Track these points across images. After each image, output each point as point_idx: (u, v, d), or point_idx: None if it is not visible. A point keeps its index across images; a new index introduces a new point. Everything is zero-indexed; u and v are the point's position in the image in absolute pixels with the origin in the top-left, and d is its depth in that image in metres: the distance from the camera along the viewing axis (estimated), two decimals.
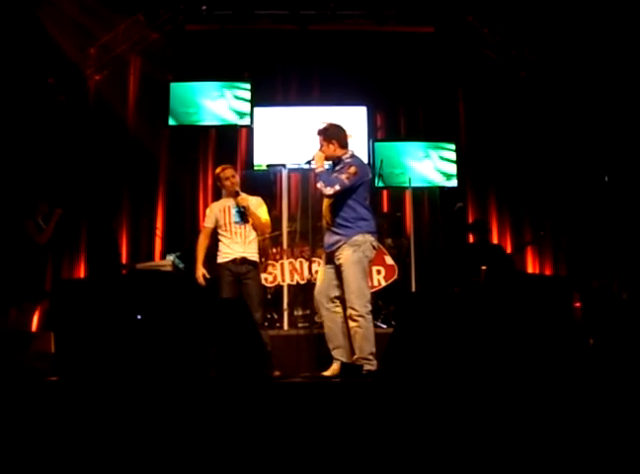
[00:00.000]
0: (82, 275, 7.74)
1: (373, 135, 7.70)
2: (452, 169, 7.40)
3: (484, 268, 6.32)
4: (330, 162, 4.89)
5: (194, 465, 2.84)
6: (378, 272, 6.53)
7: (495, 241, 7.89)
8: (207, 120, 7.41)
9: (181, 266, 6.56)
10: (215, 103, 7.41)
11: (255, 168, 7.34)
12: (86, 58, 7.95)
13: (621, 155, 7.28)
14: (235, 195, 5.38)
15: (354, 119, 7.42)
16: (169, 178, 8.28)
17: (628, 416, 3.00)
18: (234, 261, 5.29)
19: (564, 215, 7.89)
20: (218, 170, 5.56)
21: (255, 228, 5.40)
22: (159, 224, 8.15)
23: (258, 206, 5.48)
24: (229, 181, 5.43)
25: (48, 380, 3.78)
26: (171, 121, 7.41)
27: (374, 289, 6.48)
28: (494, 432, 2.95)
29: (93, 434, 2.92)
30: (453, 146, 7.53)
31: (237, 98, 7.41)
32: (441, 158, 7.44)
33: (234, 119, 7.35)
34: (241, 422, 2.99)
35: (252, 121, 7.32)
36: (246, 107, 7.35)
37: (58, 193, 7.14)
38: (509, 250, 7.90)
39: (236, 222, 5.37)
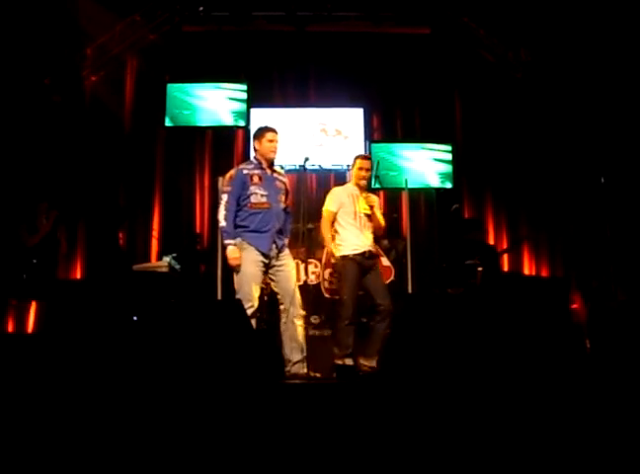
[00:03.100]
0: (78, 276, 7.73)
1: (370, 137, 7.71)
2: (449, 170, 7.42)
3: (480, 269, 6.32)
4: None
5: (192, 466, 2.83)
6: None
7: (491, 242, 7.91)
8: (204, 121, 7.42)
9: (177, 267, 6.54)
10: (212, 104, 7.42)
11: None
12: (83, 59, 7.94)
13: (618, 157, 7.29)
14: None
15: (350, 121, 7.45)
16: (165, 179, 8.26)
17: (626, 418, 3.01)
18: (363, 254, 5.26)
19: (560, 217, 7.90)
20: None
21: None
22: (155, 225, 8.13)
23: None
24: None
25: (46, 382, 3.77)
26: (167, 122, 7.42)
27: None
28: (491, 433, 2.95)
29: (90, 436, 2.91)
30: (450, 147, 7.55)
31: (234, 99, 7.42)
32: (438, 159, 7.45)
33: (231, 121, 7.36)
34: (237, 424, 2.99)
35: (248, 122, 7.33)
36: (242, 108, 7.36)
37: (54, 193, 7.12)
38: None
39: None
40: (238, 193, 4.86)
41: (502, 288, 4.80)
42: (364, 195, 5.37)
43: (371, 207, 5.33)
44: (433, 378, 3.42)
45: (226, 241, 4.80)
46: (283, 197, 4.98)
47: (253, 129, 7.25)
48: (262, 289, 4.91)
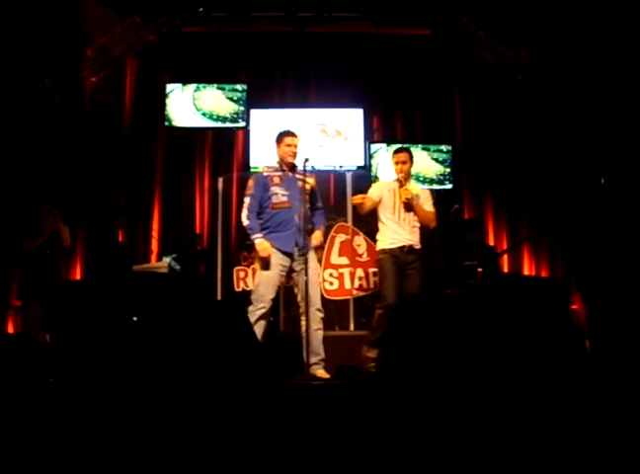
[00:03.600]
0: (78, 276, 7.73)
1: (370, 137, 7.70)
2: (449, 171, 7.43)
3: (480, 270, 6.32)
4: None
5: (191, 467, 2.83)
6: (375, 274, 6.51)
7: (491, 243, 7.91)
8: (204, 122, 7.42)
9: (177, 268, 6.55)
10: (212, 104, 7.42)
11: (251, 170, 7.34)
12: (83, 60, 7.95)
13: (618, 157, 7.29)
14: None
15: (350, 121, 7.43)
16: (165, 179, 8.27)
17: (626, 419, 3.01)
18: (402, 248, 5.22)
19: (561, 217, 7.91)
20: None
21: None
22: (155, 226, 8.13)
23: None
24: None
25: (46, 382, 3.77)
26: (167, 123, 7.42)
27: (370, 292, 6.48)
28: (491, 434, 2.95)
29: (90, 435, 2.91)
30: (450, 148, 7.56)
31: (233, 99, 7.42)
32: (438, 160, 7.45)
33: (231, 121, 7.36)
34: (238, 425, 2.99)
35: (248, 123, 7.33)
36: (242, 108, 7.36)
37: (55, 194, 7.11)
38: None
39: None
40: (259, 195, 4.94)
41: (502, 289, 4.80)
42: (403, 188, 5.32)
43: (408, 200, 5.28)
44: (432, 379, 3.42)
45: (253, 236, 4.88)
46: (308, 197, 4.95)
47: (252, 130, 7.33)
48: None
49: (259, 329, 4.68)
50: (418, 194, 5.43)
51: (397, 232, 5.27)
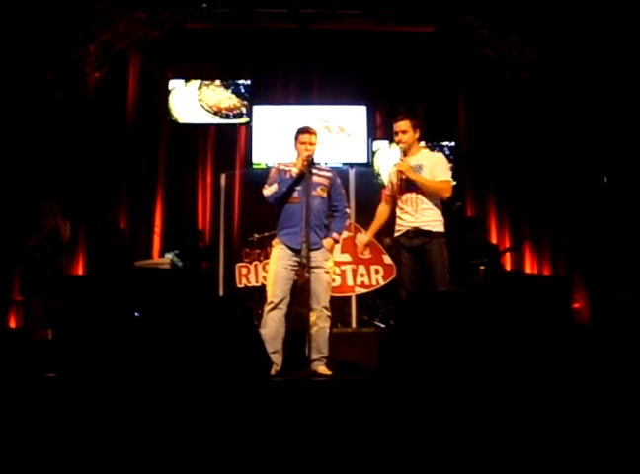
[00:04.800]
0: (80, 271, 7.74)
1: (373, 134, 7.70)
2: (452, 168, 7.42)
3: (482, 267, 6.32)
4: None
5: (192, 465, 2.84)
6: (377, 271, 6.52)
7: (493, 241, 7.91)
8: (207, 118, 7.43)
9: (179, 264, 6.56)
10: (215, 100, 7.43)
11: (254, 166, 7.35)
12: (86, 55, 7.95)
13: (621, 156, 7.28)
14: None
15: (353, 118, 7.44)
16: (168, 175, 8.28)
17: (628, 418, 3.01)
18: (407, 234, 4.76)
19: (563, 216, 7.90)
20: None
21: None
22: (158, 222, 8.14)
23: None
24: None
25: (47, 376, 3.78)
26: (170, 119, 7.43)
27: (373, 289, 6.48)
28: (491, 433, 2.95)
29: (91, 431, 2.91)
30: (453, 146, 7.55)
31: (237, 96, 7.43)
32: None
33: (234, 117, 7.36)
34: (238, 421, 2.99)
35: (251, 119, 7.34)
36: (245, 105, 7.37)
37: (57, 190, 7.12)
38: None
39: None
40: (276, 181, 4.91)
41: (504, 287, 4.78)
42: (399, 159, 4.78)
43: (402, 173, 4.71)
44: (434, 377, 3.42)
45: (276, 181, 4.82)
46: (322, 192, 4.86)
47: (255, 126, 7.33)
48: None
49: (272, 323, 4.67)
50: (421, 164, 4.73)
51: (400, 217, 4.77)
